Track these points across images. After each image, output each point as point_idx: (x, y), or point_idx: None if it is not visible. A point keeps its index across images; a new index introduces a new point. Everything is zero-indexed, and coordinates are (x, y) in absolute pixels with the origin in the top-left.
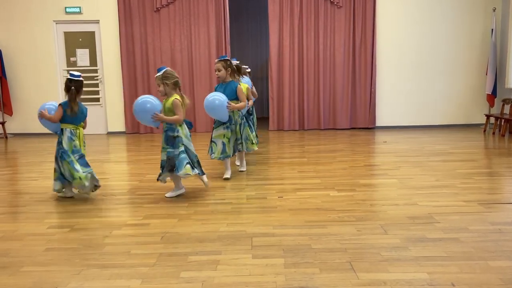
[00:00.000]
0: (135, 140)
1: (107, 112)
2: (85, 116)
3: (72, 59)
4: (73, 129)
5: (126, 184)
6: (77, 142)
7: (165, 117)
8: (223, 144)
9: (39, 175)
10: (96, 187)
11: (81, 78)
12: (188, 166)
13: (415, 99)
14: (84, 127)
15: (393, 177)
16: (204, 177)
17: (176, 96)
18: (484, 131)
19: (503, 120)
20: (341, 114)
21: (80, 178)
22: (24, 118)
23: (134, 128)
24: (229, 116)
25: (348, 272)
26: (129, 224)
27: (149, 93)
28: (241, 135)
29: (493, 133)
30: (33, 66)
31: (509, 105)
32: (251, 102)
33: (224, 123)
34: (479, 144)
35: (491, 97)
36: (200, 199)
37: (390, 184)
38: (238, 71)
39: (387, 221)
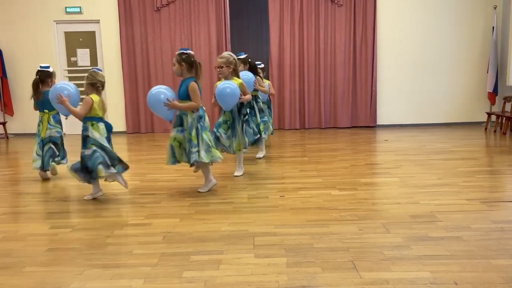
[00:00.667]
0: (136, 139)
1: (107, 111)
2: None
3: (72, 59)
4: (40, 116)
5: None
6: (40, 127)
7: (67, 103)
8: (172, 148)
9: None
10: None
11: (48, 70)
12: (100, 166)
13: (416, 97)
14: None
15: (394, 175)
16: (120, 178)
17: (91, 95)
18: (485, 129)
19: (504, 118)
20: (342, 113)
21: (33, 160)
22: (25, 118)
23: (135, 128)
24: (181, 118)
25: (351, 271)
26: (131, 224)
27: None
28: (197, 142)
29: (495, 131)
30: (34, 66)
31: (510, 103)
32: (247, 97)
33: (180, 125)
34: (481, 142)
35: (492, 95)
36: (201, 198)
37: (392, 183)
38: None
39: (389, 220)
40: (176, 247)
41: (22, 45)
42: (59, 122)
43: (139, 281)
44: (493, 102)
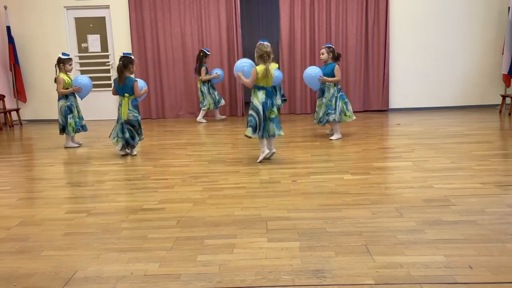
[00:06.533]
0: (147, 125)
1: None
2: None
3: (83, 45)
4: (120, 99)
5: (140, 169)
6: (120, 110)
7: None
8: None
9: (55, 160)
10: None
11: (131, 56)
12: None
13: (429, 80)
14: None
15: (407, 159)
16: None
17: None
18: (500, 112)
19: None
20: (354, 97)
21: (116, 142)
22: (38, 105)
23: (146, 113)
24: (323, 90)
25: (364, 255)
26: (145, 208)
27: (160, 77)
28: (334, 107)
29: (510, 114)
30: (45, 52)
31: None
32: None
33: (322, 95)
34: (495, 125)
35: (508, 77)
36: (214, 183)
37: (405, 167)
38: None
39: (402, 204)
40: (190, 232)
41: (34, 32)
42: (136, 107)
43: (155, 265)
44: (508, 84)
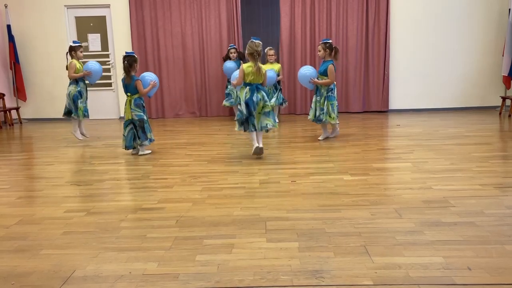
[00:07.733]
0: None
1: (119, 96)
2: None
3: (84, 44)
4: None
5: (139, 169)
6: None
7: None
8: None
9: (55, 159)
10: None
11: (134, 55)
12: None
13: (429, 80)
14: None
15: (407, 160)
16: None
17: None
18: (500, 113)
19: None
20: (354, 98)
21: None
22: (38, 104)
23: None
24: (318, 88)
25: (363, 256)
26: (144, 208)
27: (160, 76)
28: (324, 107)
29: (509, 116)
30: (46, 51)
31: None
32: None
33: (316, 93)
34: (495, 127)
35: (508, 78)
36: (213, 183)
37: (404, 168)
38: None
39: (401, 205)
40: (189, 231)
41: (34, 31)
42: (138, 106)
43: (154, 264)
44: (508, 86)
